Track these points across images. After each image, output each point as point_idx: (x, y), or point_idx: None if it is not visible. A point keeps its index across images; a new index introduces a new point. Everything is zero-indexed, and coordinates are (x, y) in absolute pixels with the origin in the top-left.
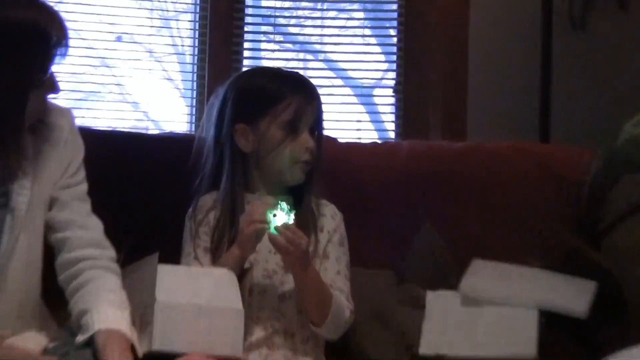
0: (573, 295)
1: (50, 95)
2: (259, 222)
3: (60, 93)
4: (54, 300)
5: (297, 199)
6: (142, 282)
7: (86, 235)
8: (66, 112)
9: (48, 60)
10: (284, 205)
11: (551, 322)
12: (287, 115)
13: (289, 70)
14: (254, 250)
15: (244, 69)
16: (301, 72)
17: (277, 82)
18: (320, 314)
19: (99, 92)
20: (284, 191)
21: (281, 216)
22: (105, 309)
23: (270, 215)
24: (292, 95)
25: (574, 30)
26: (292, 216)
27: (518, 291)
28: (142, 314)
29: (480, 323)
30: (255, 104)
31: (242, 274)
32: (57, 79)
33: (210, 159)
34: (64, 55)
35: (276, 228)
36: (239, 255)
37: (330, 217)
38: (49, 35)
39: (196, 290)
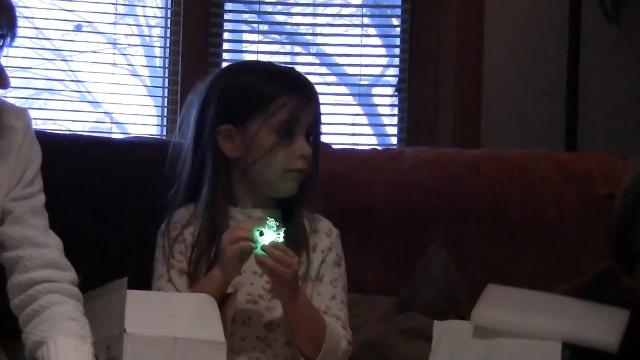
0: (602, 326)
1: None
2: (245, 239)
3: (9, 90)
4: (5, 328)
5: (287, 213)
6: (108, 309)
7: (43, 254)
8: (22, 113)
9: None
10: (272, 222)
11: (577, 357)
12: (281, 116)
13: (283, 65)
14: (238, 272)
15: (224, 63)
16: None
17: (270, 79)
18: (312, 346)
19: (54, 88)
20: (272, 204)
21: (269, 234)
22: (64, 340)
23: (257, 233)
24: (287, 94)
25: (607, 24)
26: (282, 234)
27: (539, 321)
28: (109, 346)
29: (494, 358)
30: (243, 102)
31: (223, 300)
32: (6, 72)
33: (187, 166)
34: (9, 44)
35: (263, 248)
36: (220, 279)
37: (325, 234)
38: None
39: (171, 320)
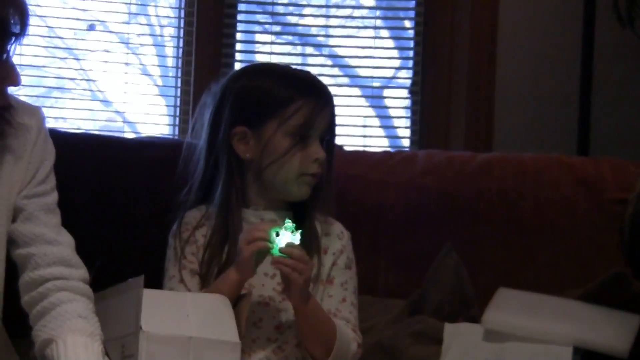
0: (613, 331)
1: (10, 88)
2: (261, 240)
3: (21, 88)
4: (17, 326)
5: (300, 215)
6: (123, 308)
7: (54, 251)
8: (36, 111)
9: (2, 40)
10: (289, 223)
11: None
12: (297, 120)
13: (299, 69)
14: (253, 273)
15: (236, 63)
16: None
17: (287, 82)
18: (322, 349)
19: (66, 87)
20: (285, 206)
21: (286, 235)
22: (73, 338)
23: (274, 234)
24: (304, 98)
25: (621, 28)
26: (298, 236)
27: (550, 325)
28: (123, 345)
29: None
30: (260, 105)
31: (237, 301)
32: (17, 70)
33: (201, 166)
34: (20, 43)
35: (281, 249)
36: (236, 280)
37: (336, 237)
38: (5, 13)
39: (186, 319)
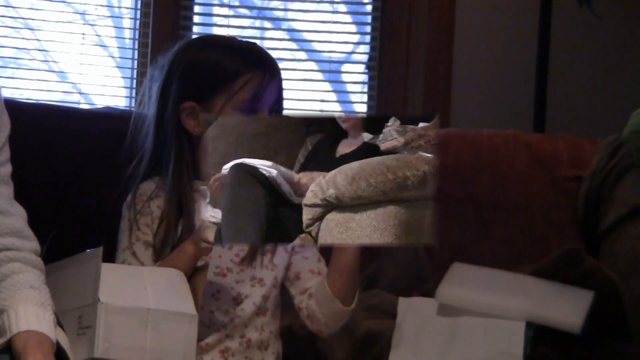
0: (566, 307)
1: None
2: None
3: None
4: None
5: None
6: (80, 279)
7: (6, 222)
8: None
9: None
10: None
11: (540, 337)
12: (245, 94)
13: (245, 40)
14: (210, 251)
15: (193, 37)
16: (259, 43)
17: (234, 55)
18: (350, 295)
19: (21, 58)
20: None
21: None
22: (25, 308)
23: None
24: (251, 70)
25: (578, 7)
26: None
27: (503, 300)
28: (80, 316)
29: (458, 336)
30: (207, 80)
31: (193, 272)
32: None
33: (150, 140)
34: None
35: None
36: (193, 254)
37: None
38: None
39: (144, 292)
